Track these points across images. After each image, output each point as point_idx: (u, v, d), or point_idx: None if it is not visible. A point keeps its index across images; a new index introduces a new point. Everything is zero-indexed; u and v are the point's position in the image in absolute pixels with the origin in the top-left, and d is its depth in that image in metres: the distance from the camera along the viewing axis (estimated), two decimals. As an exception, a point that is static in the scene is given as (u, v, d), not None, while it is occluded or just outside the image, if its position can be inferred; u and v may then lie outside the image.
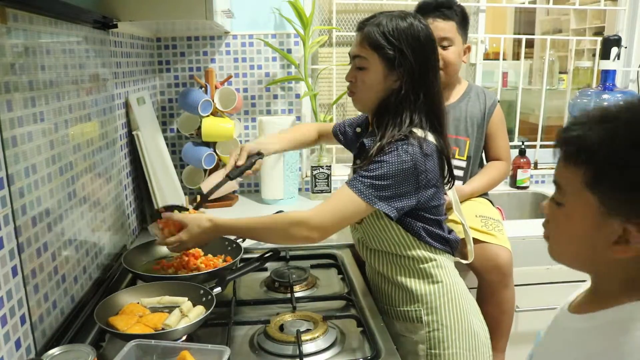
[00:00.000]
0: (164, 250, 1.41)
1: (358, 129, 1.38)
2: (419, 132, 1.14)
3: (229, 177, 1.32)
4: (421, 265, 1.21)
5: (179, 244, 1.22)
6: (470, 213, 1.57)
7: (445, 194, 1.27)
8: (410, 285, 1.21)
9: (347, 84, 1.23)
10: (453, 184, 1.27)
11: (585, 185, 0.64)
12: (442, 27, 1.57)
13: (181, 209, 1.31)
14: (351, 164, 1.32)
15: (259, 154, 1.37)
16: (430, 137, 1.16)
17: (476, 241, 1.45)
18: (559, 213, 0.70)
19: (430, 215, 1.19)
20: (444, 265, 1.23)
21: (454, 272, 1.26)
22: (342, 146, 1.51)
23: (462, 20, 1.63)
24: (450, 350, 1.20)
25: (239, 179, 1.42)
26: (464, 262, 1.37)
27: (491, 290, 1.52)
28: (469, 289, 1.30)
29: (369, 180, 1.10)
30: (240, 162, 1.33)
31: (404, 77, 1.14)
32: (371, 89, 1.18)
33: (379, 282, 1.28)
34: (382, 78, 1.16)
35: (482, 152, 1.75)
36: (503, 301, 1.53)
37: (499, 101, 1.77)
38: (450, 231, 1.28)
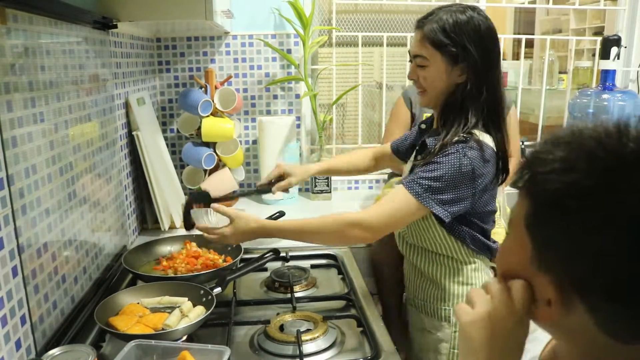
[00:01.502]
0: (164, 250, 1.41)
1: (423, 126, 1.33)
2: (479, 134, 1.12)
3: (258, 190, 1.47)
4: (459, 266, 1.20)
5: (220, 237, 1.22)
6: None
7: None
8: (445, 284, 1.21)
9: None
10: (504, 181, 1.21)
11: (523, 221, 0.51)
12: None
13: (209, 198, 1.32)
14: (411, 161, 1.30)
15: (282, 178, 1.43)
16: (489, 140, 1.13)
17: None
18: (505, 246, 0.59)
19: (479, 222, 1.18)
20: (481, 268, 1.22)
21: (490, 276, 1.24)
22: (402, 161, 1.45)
23: None
24: None
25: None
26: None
27: None
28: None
29: (426, 182, 1.08)
30: (267, 179, 1.43)
31: (467, 71, 1.12)
32: (434, 85, 1.15)
33: (415, 275, 1.28)
34: (444, 74, 1.13)
35: None
36: None
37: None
38: (494, 241, 1.26)
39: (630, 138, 0.46)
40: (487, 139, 1.13)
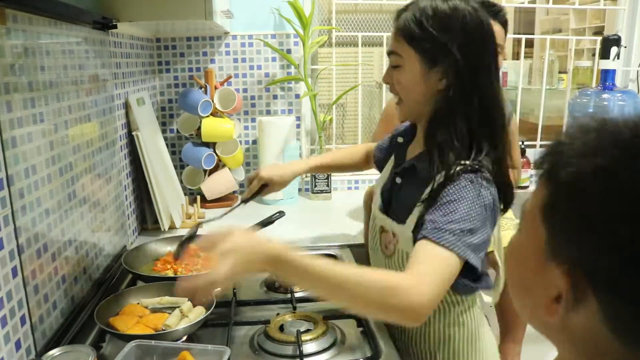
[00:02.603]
0: (163, 249, 1.41)
1: (400, 139, 1.12)
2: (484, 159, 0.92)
3: (243, 201, 1.29)
4: (445, 307, 1.02)
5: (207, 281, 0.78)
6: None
7: None
8: (432, 326, 1.04)
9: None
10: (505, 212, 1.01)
11: (540, 211, 0.48)
12: (501, 36, 1.40)
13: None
14: (383, 178, 1.11)
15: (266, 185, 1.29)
16: (486, 162, 0.93)
17: None
18: (514, 240, 0.54)
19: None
20: (470, 306, 1.04)
21: (479, 312, 1.07)
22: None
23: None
24: None
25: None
26: (487, 300, 1.20)
27: None
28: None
29: (456, 227, 0.85)
30: (249, 194, 1.28)
31: (448, 74, 0.92)
32: (409, 90, 0.97)
33: None
34: (420, 77, 0.94)
35: None
36: None
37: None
38: (486, 273, 1.06)
39: None
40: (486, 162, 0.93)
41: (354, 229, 1.70)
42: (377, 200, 1.11)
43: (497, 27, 1.34)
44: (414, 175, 1.01)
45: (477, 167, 0.90)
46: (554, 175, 0.46)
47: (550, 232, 0.47)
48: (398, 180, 1.05)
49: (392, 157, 1.13)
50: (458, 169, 0.90)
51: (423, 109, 0.98)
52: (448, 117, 0.93)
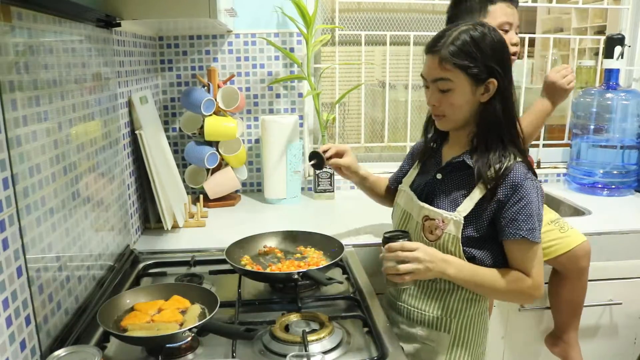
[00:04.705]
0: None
1: (433, 145, 1.31)
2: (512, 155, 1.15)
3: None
4: (465, 306, 1.21)
5: (414, 262, 1.12)
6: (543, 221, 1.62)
7: None
8: (449, 298, 1.21)
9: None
10: None
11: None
12: (511, 13, 1.53)
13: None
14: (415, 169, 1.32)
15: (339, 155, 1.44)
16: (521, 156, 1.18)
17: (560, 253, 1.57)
18: None
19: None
20: (485, 308, 1.25)
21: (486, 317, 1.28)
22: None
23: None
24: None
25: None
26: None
27: (568, 277, 1.62)
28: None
29: (537, 224, 1.12)
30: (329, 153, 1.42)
31: (492, 88, 1.12)
32: (461, 108, 1.15)
33: (416, 288, 1.26)
34: (470, 95, 1.13)
35: None
36: (580, 286, 1.63)
37: None
38: None
39: None
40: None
41: (358, 228, 1.69)
42: (412, 196, 1.27)
43: (510, 10, 1.51)
44: (458, 171, 1.19)
45: (521, 161, 1.14)
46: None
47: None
48: (439, 176, 1.22)
49: (416, 164, 1.34)
50: (510, 163, 1.12)
51: (466, 119, 1.17)
52: (494, 121, 1.14)
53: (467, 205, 1.15)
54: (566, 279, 1.61)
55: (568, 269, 1.59)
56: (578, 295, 1.62)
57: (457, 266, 1.14)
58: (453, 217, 1.16)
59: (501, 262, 1.18)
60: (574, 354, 1.66)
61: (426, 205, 1.22)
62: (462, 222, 1.14)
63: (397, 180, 1.44)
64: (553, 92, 1.57)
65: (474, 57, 1.10)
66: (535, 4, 2.56)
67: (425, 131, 1.32)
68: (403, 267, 1.11)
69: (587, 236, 1.60)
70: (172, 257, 1.51)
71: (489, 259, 1.17)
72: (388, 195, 1.50)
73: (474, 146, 1.17)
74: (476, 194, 1.15)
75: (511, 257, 1.16)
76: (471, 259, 1.16)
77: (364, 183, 1.50)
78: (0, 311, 0.81)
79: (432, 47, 1.13)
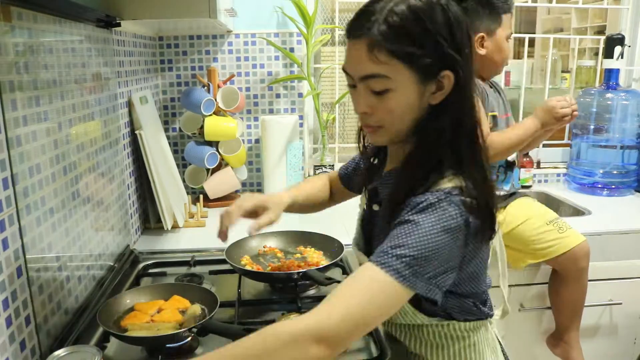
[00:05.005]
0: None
1: (375, 160, 0.97)
2: (452, 178, 0.78)
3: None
4: (446, 342, 0.91)
5: None
6: (541, 221, 1.62)
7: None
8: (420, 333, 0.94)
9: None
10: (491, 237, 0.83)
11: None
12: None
13: None
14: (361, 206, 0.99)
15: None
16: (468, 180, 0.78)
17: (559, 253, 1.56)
18: None
19: (472, 289, 0.86)
20: (479, 341, 0.92)
21: (485, 344, 0.93)
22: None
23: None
24: None
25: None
26: (498, 318, 1.09)
27: (568, 278, 1.62)
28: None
29: (407, 252, 0.71)
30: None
31: (445, 84, 0.77)
32: (404, 116, 0.79)
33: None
34: (417, 96, 0.77)
35: None
36: (580, 286, 1.62)
37: None
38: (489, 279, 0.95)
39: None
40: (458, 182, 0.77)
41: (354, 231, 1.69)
42: (357, 238, 0.98)
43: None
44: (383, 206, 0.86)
45: (457, 193, 0.75)
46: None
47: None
48: (375, 207, 0.89)
49: (364, 191, 0.97)
50: (432, 186, 0.76)
51: (410, 130, 0.81)
52: (444, 130, 0.78)
53: None
54: (566, 280, 1.61)
55: (567, 269, 1.59)
56: (578, 296, 1.63)
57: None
58: None
59: (453, 304, 0.87)
60: (575, 355, 1.66)
61: (361, 256, 0.96)
62: None
63: (349, 177, 1.14)
64: (545, 114, 1.60)
65: (419, 39, 0.73)
66: (535, 4, 2.56)
67: (359, 147, 0.97)
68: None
69: (587, 236, 1.60)
70: (172, 257, 1.51)
71: (455, 310, 0.88)
72: (337, 189, 1.19)
73: (404, 163, 0.83)
74: None
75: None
76: (440, 315, 0.89)
77: (294, 206, 1.10)
78: (0, 311, 0.81)
79: (356, 29, 0.75)
